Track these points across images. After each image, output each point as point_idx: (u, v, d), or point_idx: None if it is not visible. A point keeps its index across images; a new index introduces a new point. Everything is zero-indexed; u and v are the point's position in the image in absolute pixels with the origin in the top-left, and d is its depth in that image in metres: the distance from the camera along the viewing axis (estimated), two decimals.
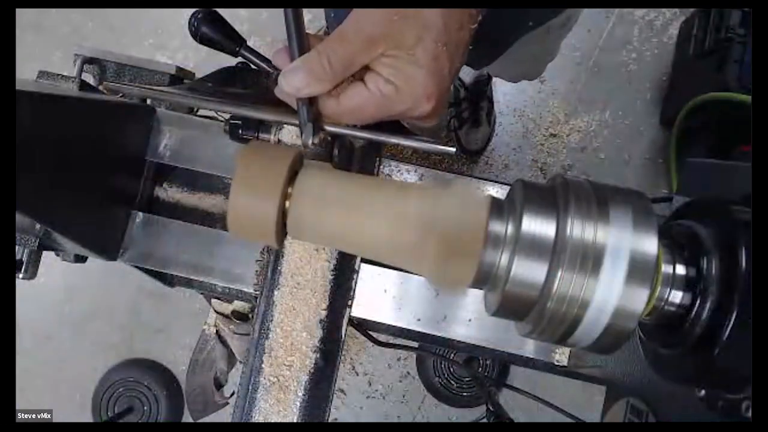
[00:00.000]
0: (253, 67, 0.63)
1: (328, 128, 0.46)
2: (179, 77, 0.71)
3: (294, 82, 0.41)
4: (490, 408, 0.97)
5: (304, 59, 0.41)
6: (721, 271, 0.34)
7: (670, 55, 1.58)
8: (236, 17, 1.66)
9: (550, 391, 1.46)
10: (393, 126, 0.55)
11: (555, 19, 0.73)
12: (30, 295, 1.59)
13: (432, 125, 0.47)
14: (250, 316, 0.90)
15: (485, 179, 0.69)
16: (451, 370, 1.50)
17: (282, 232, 0.38)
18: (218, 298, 0.89)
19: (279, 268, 0.60)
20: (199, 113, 0.73)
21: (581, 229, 0.32)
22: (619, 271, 0.32)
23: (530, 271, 0.33)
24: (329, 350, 0.60)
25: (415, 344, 0.95)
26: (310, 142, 0.43)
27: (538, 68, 1.08)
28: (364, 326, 0.69)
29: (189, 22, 0.51)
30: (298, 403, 0.59)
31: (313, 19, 1.55)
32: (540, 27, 0.70)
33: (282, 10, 0.41)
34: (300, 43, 0.42)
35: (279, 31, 1.63)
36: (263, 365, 0.59)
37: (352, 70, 0.41)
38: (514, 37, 0.70)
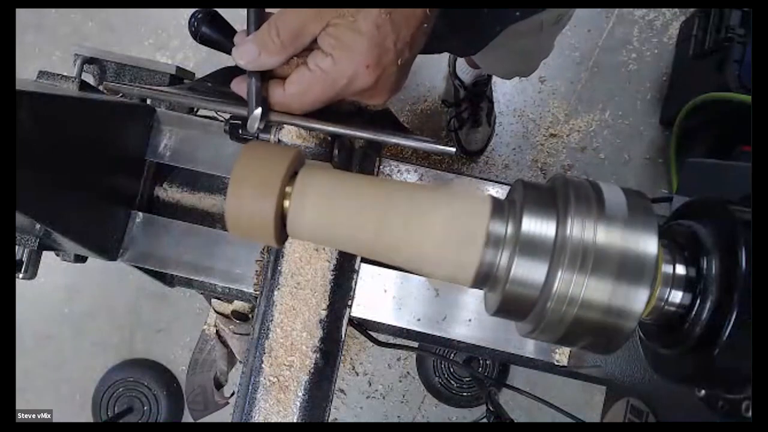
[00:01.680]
0: None
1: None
2: (179, 77, 0.71)
3: (244, 53, 0.42)
4: (490, 408, 0.97)
5: (255, 33, 0.42)
6: (721, 271, 0.34)
7: (670, 55, 1.58)
8: (236, 17, 1.66)
9: (550, 391, 1.47)
10: (393, 126, 0.55)
11: (547, 15, 0.73)
12: (30, 295, 1.59)
13: (378, 104, 0.46)
14: (250, 316, 0.90)
15: (485, 179, 0.69)
16: (451, 370, 1.51)
17: (282, 231, 0.38)
18: (218, 298, 0.89)
19: (279, 268, 0.60)
20: (199, 113, 0.73)
21: (581, 229, 0.32)
22: (619, 271, 0.32)
23: (530, 271, 0.33)
24: (329, 350, 0.60)
25: (415, 344, 0.95)
26: (255, 127, 0.42)
27: (530, 65, 1.08)
28: (364, 326, 0.69)
29: (189, 22, 0.51)
30: (298, 403, 0.59)
31: None
32: (528, 19, 0.70)
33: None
34: (257, 21, 0.43)
35: None
36: (263, 365, 0.59)
37: (301, 42, 0.41)
38: (500, 27, 0.70)
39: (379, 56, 0.40)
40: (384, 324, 0.67)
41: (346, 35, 0.39)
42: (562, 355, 0.67)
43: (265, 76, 0.44)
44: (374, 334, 0.71)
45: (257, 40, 0.41)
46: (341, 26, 0.39)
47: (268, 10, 0.45)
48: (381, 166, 0.67)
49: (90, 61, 0.69)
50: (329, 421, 0.60)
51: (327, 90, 0.42)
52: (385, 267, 0.66)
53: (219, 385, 1.04)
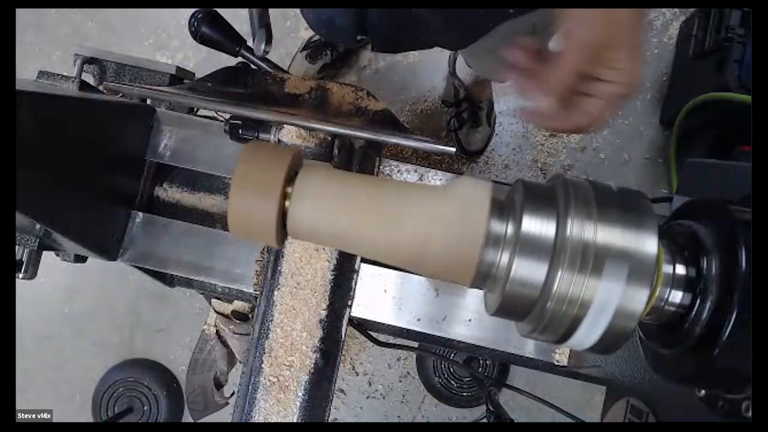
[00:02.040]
0: (253, 67, 0.63)
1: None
2: (179, 77, 0.71)
3: (549, 110, 0.45)
4: (490, 408, 0.97)
5: (548, 89, 0.45)
6: (721, 271, 0.34)
7: (670, 55, 1.58)
8: (236, 17, 1.66)
9: (550, 391, 1.47)
10: (393, 126, 0.55)
11: (539, 19, 0.73)
12: (30, 295, 1.59)
13: (630, 98, 0.50)
14: (250, 316, 0.90)
15: (485, 179, 0.68)
16: (451, 370, 1.50)
17: (282, 231, 0.38)
18: (218, 298, 0.89)
19: (279, 268, 0.60)
20: (199, 113, 0.73)
21: (581, 229, 0.32)
22: (619, 271, 0.32)
23: (530, 271, 0.33)
24: (329, 350, 0.60)
25: (415, 344, 0.95)
26: (262, 48, 0.44)
27: None
28: (364, 326, 0.69)
29: (189, 22, 0.51)
30: (298, 403, 0.59)
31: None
32: (521, 18, 0.70)
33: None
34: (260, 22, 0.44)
35: (279, 32, 1.63)
36: (263, 365, 0.59)
37: (577, 77, 0.44)
38: (493, 23, 0.70)
39: (640, 69, 0.45)
40: (384, 324, 0.67)
41: (623, 63, 0.43)
42: (562, 355, 0.67)
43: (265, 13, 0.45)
44: (374, 334, 0.71)
45: (553, 95, 0.45)
46: (617, 56, 0.43)
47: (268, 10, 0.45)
48: (381, 166, 0.67)
49: (90, 61, 0.69)
50: (329, 421, 0.60)
51: (611, 110, 0.46)
52: (385, 267, 0.66)
53: (219, 385, 1.04)
